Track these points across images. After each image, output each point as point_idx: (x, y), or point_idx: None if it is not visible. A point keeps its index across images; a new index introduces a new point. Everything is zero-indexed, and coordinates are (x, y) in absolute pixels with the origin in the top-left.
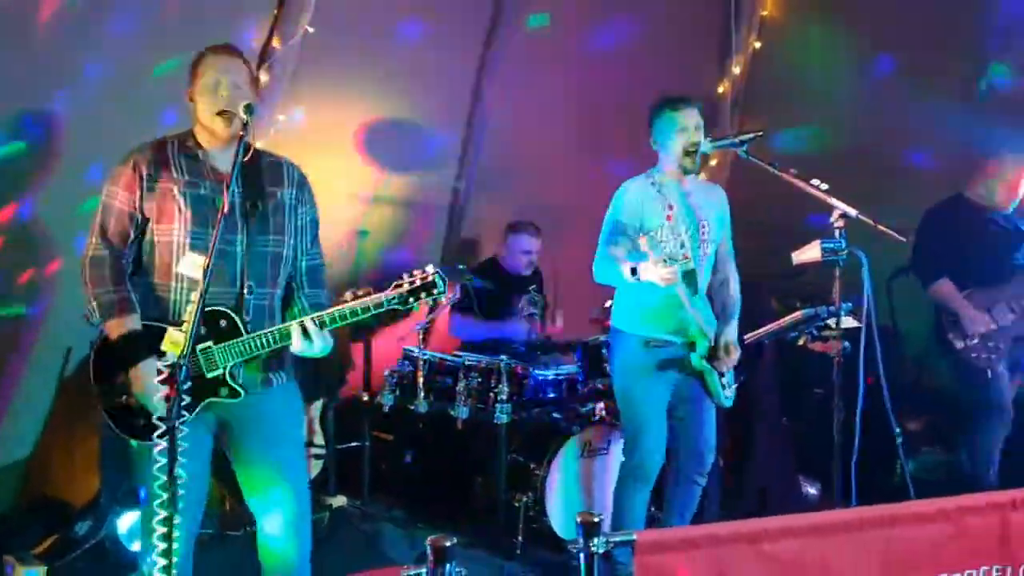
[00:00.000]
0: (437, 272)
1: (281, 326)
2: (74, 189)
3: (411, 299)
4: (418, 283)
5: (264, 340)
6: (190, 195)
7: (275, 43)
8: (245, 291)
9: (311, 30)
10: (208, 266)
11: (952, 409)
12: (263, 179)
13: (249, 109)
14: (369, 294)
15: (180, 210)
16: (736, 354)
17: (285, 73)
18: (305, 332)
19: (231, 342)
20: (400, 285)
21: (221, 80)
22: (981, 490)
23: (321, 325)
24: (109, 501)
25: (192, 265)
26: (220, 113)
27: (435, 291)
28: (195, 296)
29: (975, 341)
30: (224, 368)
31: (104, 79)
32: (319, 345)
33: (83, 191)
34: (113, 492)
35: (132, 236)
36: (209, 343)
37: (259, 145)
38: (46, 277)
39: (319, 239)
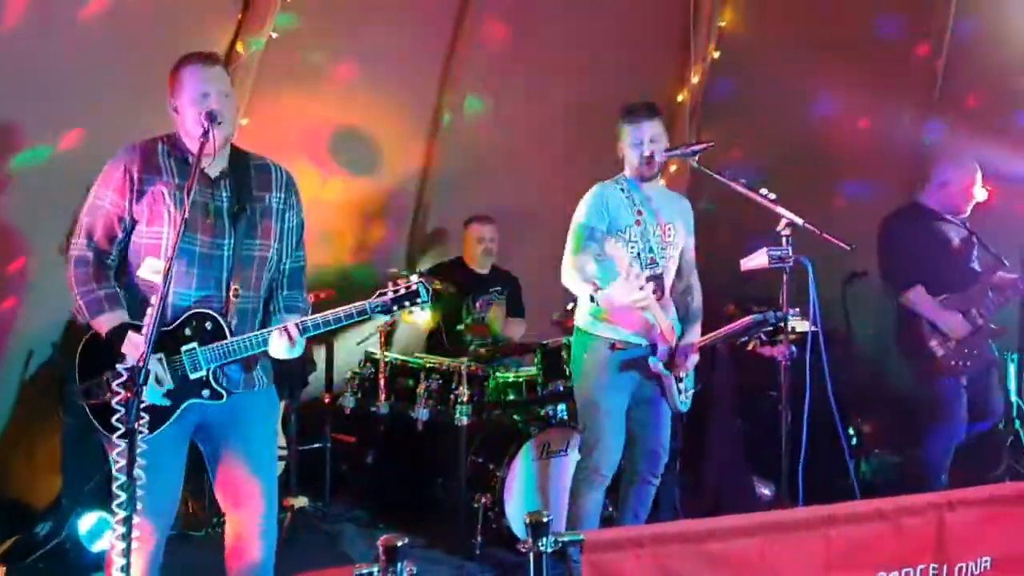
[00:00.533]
0: (421, 282)
1: (264, 331)
2: (38, 186)
3: (395, 307)
4: (402, 292)
5: (247, 343)
6: (180, 198)
7: (239, 48)
8: (231, 294)
9: (275, 35)
10: (168, 270)
11: (908, 413)
12: (251, 183)
13: (211, 116)
14: None
15: (170, 213)
16: (694, 359)
17: (248, 77)
18: (289, 336)
19: (215, 344)
20: (384, 293)
21: (209, 92)
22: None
23: (303, 331)
24: (71, 502)
25: (151, 269)
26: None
27: (418, 300)
28: (155, 300)
29: (953, 347)
30: (207, 370)
31: (71, 78)
32: (299, 350)
33: (47, 187)
34: (74, 493)
35: (120, 238)
36: (194, 345)
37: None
38: (8, 276)
39: (303, 241)
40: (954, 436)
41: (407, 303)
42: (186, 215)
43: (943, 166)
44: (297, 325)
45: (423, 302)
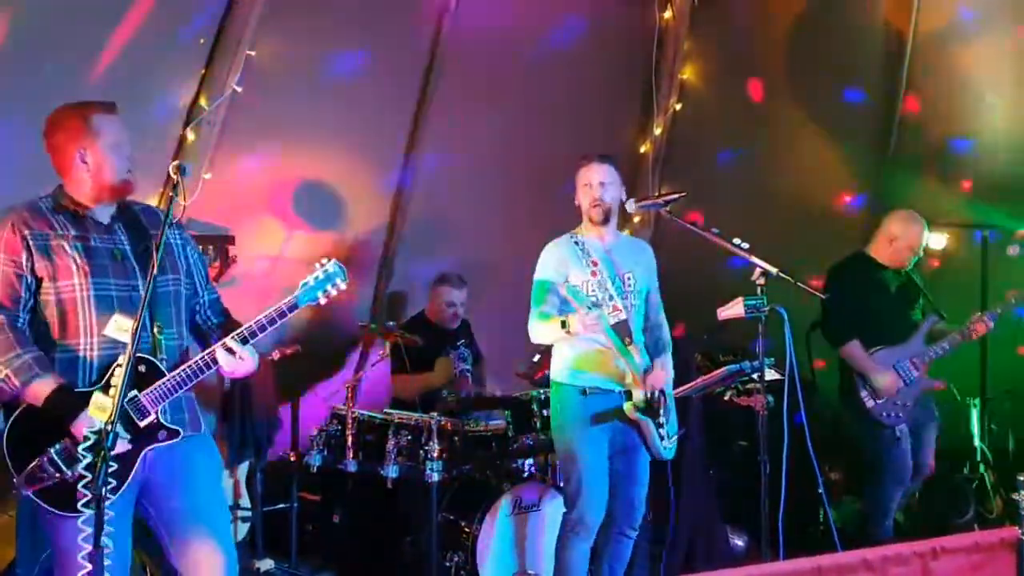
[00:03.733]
0: (335, 262)
1: (203, 355)
2: None
3: (319, 291)
4: (320, 274)
5: (189, 372)
6: (83, 248)
7: (202, 102)
8: (156, 331)
9: (239, 89)
10: (136, 329)
11: (861, 461)
12: (143, 224)
13: (182, 170)
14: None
15: (76, 264)
16: (667, 377)
17: (212, 132)
18: (231, 351)
19: (156, 385)
20: (306, 283)
21: (124, 140)
22: (875, 540)
23: (243, 341)
24: (26, 573)
25: (119, 328)
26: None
27: (338, 280)
28: (122, 359)
29: (884, 400)
30: (155, 412)
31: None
32: (249, 361)
33: None
34: (29, 565)
35: (25, 298)
36: (134, 391)
37: (184, 202)
38: None
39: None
40: (894, 485)
41: (329, 285)
42: (154, 270)
43: (892, 221)
44: (234, 336)
45: (342, 279)
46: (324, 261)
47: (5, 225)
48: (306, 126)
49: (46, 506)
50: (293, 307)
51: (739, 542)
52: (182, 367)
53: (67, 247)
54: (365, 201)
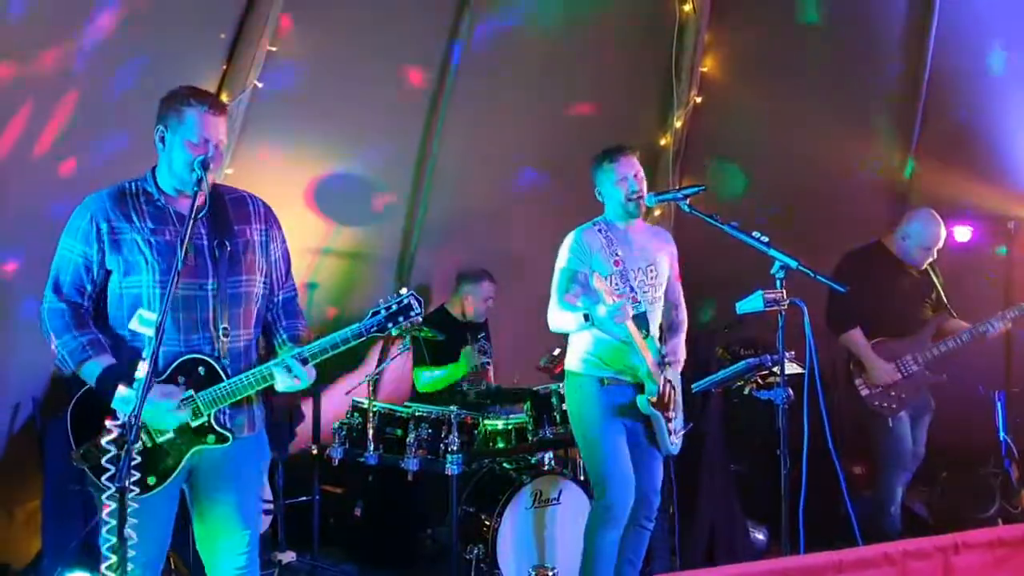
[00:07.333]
0: (411, 294)
1: (263, 367)
2: (31, 233)
3: (389, 324)
4: (395, 308)
5: (248, 382)
6: (156, 244)
7: (224, 97)
8: (220, 334)
9: (260, 85)
10: (161, 322)
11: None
12: (229, 218)
13: (204, 165)
14: None
15: (147, 261)
16: (681, 359)
17: (233, 127)
18: (289, 370)
19: (213, 388)
20: (377, 312)
21: (208, 139)
22: (882, 527)
23: (304, 361)
24: (52, 562)
25: (142, 322)
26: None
27: (412, 313)
28: (147, 353)
29: (879, 389)
30: (208, 415)
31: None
32: (305, 380)
33: (38, 235)
34: (56, 553)
35: (89, 291)
36: (190, 392)
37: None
38: None
39: (291, 270)
40: (897, 472)
41: (401, 318)
42: (179, 267)
43: (908, 221)
44: (296, 356)
45: (416, 314)
46: (402, 292)
47: (85, 215)
48: (326, 121)
49: (102, 484)
50: (359, 335)
51: (759, 536)
52: (240, 376)
53: (140, 243)
54: (386, 195)
